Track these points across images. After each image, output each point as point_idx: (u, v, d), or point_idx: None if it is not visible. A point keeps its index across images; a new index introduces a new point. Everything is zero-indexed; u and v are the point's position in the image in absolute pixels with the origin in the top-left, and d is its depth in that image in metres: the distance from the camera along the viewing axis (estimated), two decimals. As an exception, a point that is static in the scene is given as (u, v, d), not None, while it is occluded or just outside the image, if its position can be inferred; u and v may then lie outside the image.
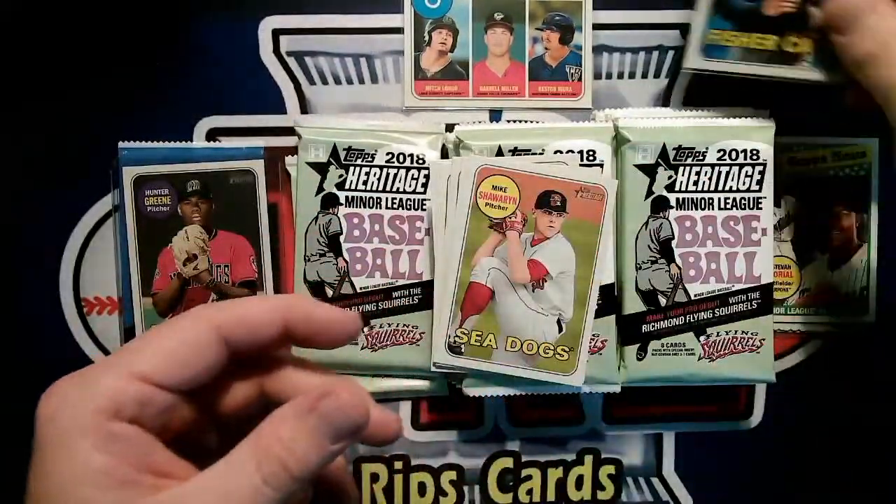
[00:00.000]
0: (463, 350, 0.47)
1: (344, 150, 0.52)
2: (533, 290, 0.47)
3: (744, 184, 0.51)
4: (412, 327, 0.52)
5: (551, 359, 0.47)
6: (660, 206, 0.51)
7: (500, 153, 0.50)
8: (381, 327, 0.52)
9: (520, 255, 0.47)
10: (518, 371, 0.47)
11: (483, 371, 0.48)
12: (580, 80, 0.54)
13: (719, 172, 0.51)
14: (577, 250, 0.47)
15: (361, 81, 0.55)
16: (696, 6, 0.48)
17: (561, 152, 0.51)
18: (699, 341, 0.51)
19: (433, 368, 0.48)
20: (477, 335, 0.47)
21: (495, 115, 0.55)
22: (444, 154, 0.53)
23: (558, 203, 0.47)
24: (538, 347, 0.47)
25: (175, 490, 0.30)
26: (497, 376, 0.48)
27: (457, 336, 0.47)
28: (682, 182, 0.51)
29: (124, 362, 0.31)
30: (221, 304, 0.34)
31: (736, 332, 0.51)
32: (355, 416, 0.32)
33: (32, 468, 0.30)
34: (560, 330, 0.47)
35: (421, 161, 0.52)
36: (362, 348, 0.52)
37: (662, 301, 0.51)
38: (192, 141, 0.54)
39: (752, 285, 0.51)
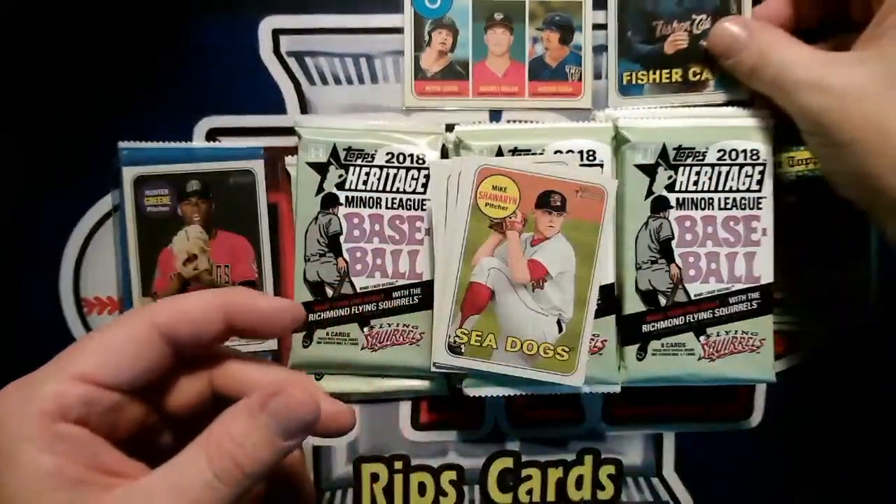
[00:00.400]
0: (463, 350, 0.47)
1: (344, 150, 0.52)
2: (533, 290, 0.47)
3: (744, 184, 0.51)
4: (412, 327, 0.52)
5: (551, 359, 0.47)
6: (660, 206, 0.51)
7: (500, 153, 0.50)
8: (381, 327, 0.52)
9: (520, 255, 0.47)
10: (518, 371, 0.47)
11: (483, 371, 0.48)
12: (580, 80, 0.54)
13: (719, 172, 0.51)
14: (576, 250, 0.47)
15: (361, 81, 0.55)
16: (607, 53, 0.55)
17: (561, 152, 0.51)
18: (699, 341, 0.51)
19: (433, 368, 0.48)
20: (477, 335, 0.47)
21: (495, 115, 0.55)
22: (444, 154, 0.53)
23: (558, 203, 0.47)
24: (538, 347, 0.47)
25: (127, 487, 0.30)
26: (497, 376, 0.48)
27: (457, 336, 0.47)
28: (682, 182, 0.51)
29: (66, 364, 0.31)
30: (161, 301, 0.34)
31: (736, 332, 0.51)
32: (304, 414, 0.33)
33: None
34: (560, 330, 0.47)
35: (421, 161, 0.52)
36: (362, 348, 0.52)
37: (662, 301, 0.51)
38: (192, 141, 0.54)
39: (752, 285, 0.51)
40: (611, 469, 0.58)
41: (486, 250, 0.47)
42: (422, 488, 0.57)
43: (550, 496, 0.58)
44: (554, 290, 0.47)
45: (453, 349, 0.47)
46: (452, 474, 0.57)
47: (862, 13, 0.47)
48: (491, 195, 0.46)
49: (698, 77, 0.54)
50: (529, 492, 0.58)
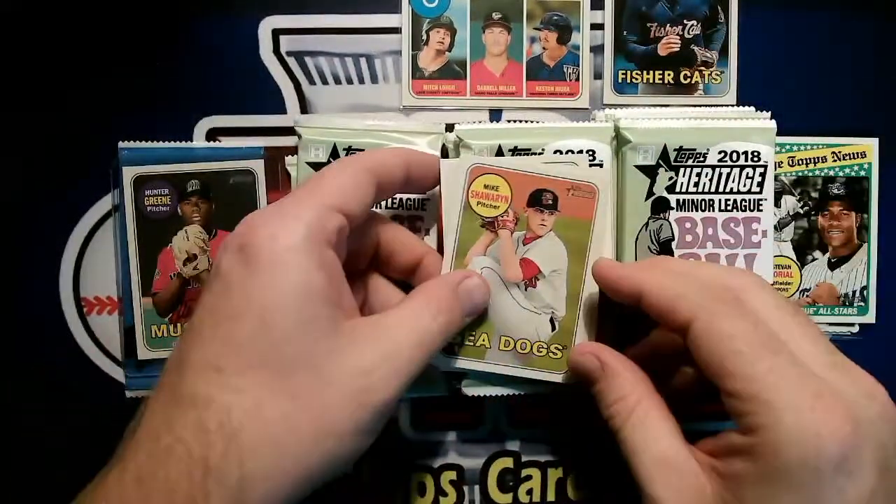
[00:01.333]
0: (456, 350, 0.47)
1: (344, 150, 0.52)
2: (525, 289, 0.47)
3: (744, 185, 0.51)
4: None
5: (545, 357, 0.47)
6: (660, 207, 0.51)
7: (499, 153, 0.50)
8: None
9: (512, 254, 0.46)
10: (511, 370, 0.47)
11: (477, 371, 0.47)
12: (578, 79, 0.54)
13: (720, 174, 0.51)
14: (568, 248, 0.46)
15: (361, 81, 0.55)
16: (604, 52, 0.55)
17: (560, 152, 0.51)
18: (699, 342, 0.51)
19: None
20: (470, 335, 0.46)
21: (495, 114, 0.55)
22: (444, 154, 0.53)
23: (550, 201, 0.46)
24: (531, 346, 0.47)
25: (371, 319, 0.37)
26: (494, 376, 0.48)
27: None
28: (682, 183, 0.51)
29: (317, 198, 0.36)
30: (363, 154, 0.41)
31: (736, 332, 0.51)
32: (482, 296, 0.44)
33: (238, 285, 0.33)
34: (553, 328, 0.47)
35: (421, 161, 0.52)
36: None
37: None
38: (192, 141, 0.54)
39: (752, 286, 0.51)
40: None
41: (478, 249, 0.46)
42: (422, 488, 0.57)
43: (550, 496, 0.58)
44: (546, 289, 0.47)
45: (446, 349, 0.46)
46: (452, 474, 0.57)
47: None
48: (483, 194, 0.46)
49: (689, 80, 0.55)
50: (529, 492, 0.58)
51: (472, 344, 0.47)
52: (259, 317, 0.32)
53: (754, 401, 0.33)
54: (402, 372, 0.35)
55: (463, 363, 0.47)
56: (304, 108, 0.55)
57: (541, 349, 0.47)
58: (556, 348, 0.47)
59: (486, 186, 0.46)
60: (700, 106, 0.54)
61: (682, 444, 0.38)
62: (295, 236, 0.34)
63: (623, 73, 0.55)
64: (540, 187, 0.46)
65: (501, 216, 0.46)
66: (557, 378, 0.47)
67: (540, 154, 0.50)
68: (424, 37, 0.54)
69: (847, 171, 0.55)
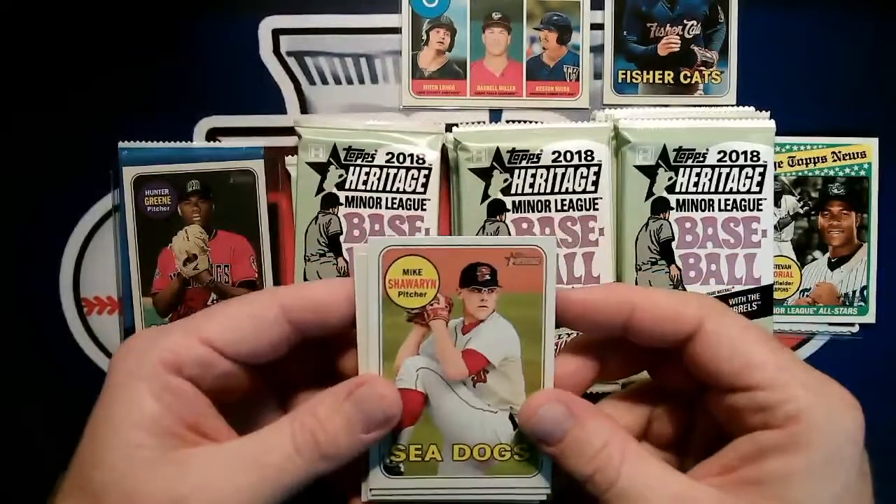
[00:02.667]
0: (403, 469, 0.39)
1: (344, 150, 0.52)
2: (474, 385, 0.38)
3: (744, 185, 0.51)
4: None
5: (509, 461, 0.38)
6: (660, 207, 0.51)
7: (498, 154, 0.50)
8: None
9: (451, 348, 0.38)
10: (471, 482, 0.39)
11: (430, 490, 0.39)
12: (578, 80, 0.54)
13: (720, 174, 0.51)
14: (519, 330, 0.38)
15: (361, 81, 0.55)
16: (604, 52, 0.55)
17: (559, 153, 0.51)
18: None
19: (370, 497, 0.39)
20: (416, 449, 0.38)
21: (496, 114, 0.55)
22: (444, 154, 0.53)
23: (487, 276, 0.38)
24: (491, 451, 0.38)
25: (212, 447, 0.33)
26: (451, 493, 0.40)
27: (392, 455, 0.38)
28: (682, 183, 0.51)
29: (194, 326, 0.34)
30: (291, 286, 0.37)
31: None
32: (386, 408, 0.34)
33: (94, 410, 0.32)
34: (515, 426, 0.38)
35: (421, 161, 0.52)
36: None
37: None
38: (192, 141, 0.54)
39: (752, 287, 0.51)
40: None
41: (409, 349, 0.38)
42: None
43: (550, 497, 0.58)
44: (499, 381, 0.38)
45: (391, 470, 0.39)
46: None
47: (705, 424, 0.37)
48: (403, 281, 0.37)
49: (689, 80, 0.55)
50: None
51: (419, 459, 0.39)
52: (89, 435, 0.32)
53: (788, 388, 0.32)
54: (226, 500, 0.31)
55: (412, 483, 0.39)
56: (304, 108, 0.55)
57: (503, 452, 0.38)
58: (522, 449, 0.39)
59: (405, 272, 0.37)
60: (700, 106, 0.54)
61: (685, 476, 0.34)
62: (138, 360, 0.32)
63: (623, 73, 0.55)
64: (472, 261, 0.38)
65: (430, 305, 0.38)
66: (527, 483, 0.39)
67: (538, 155, 0.50)
68: (424, 37, 0.54)
69: (847, 170, 0.55)
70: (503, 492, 0.39)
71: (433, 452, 0.39)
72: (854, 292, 0.55)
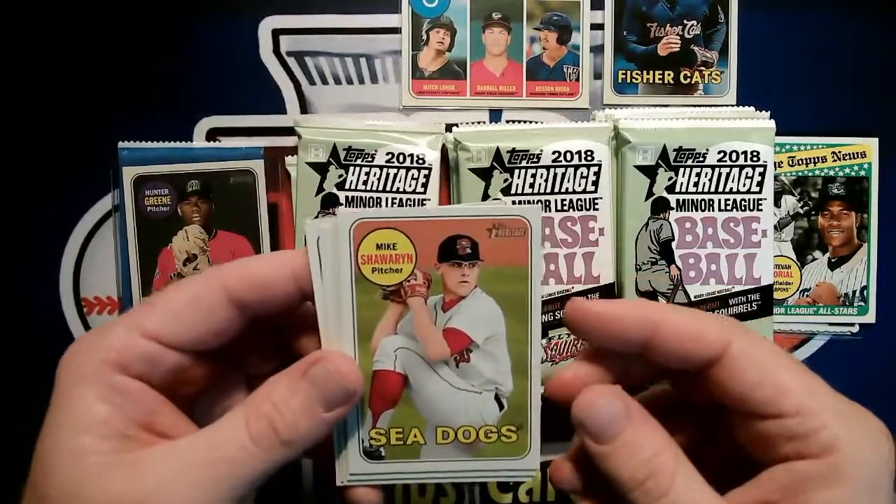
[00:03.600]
0: (384, 453, 0.37)
1: (344, 150, 0.52)
2: (457, 365, 0.36)
3: (744, 185, 0.51)
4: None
5: (495, 443, 0.37)
6: (660, 207, 0.51)
7: (498, 154, 0.50)
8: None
9: (430, 326, 0.36)
10: (456, 465, 0.37)
11: (414, 473, 0.38)
12: (578, 80, 0.54)
13: (720, 174, 0.51)
14: (503, 305, 0.36)
15: (361, 81, 0.55)
16: (604, 52, 0.55)
17: (559, 153, 0.51)
18: (699, 342, 0.51)
19: (346, 482, 0.37)
20: (397, 433, 0.37)
21: (495, 114, 0.55)
22: (444, 154, 0.53)
23: (468, 250, 0.35)
24: (477, 433, 0.37)
25: (167, 445, 0.31)
26: (435, 475, 0.38)
27: (372, 438, 0.37)
28: (682, 183, 0.51)
29: (134, 320, 0.32)
30: (232, 263, 0.33)
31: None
32: (346, 383, 0.32)
33: (45, 420, 0.31)
34: (501, 407, 0.37)
35: (421, 161, 0.52)
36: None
37: (662, 302, 0.51)
38: (192, 141, 0.54)
39: (752, 287, 0.51)
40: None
41: (386, 328, 0.35)
42: (422, 488, 0.57)
43: (550, 496, 0.58)
44: (483, 360, 0.36)
45: (371, 454, 0.37)
46: (452, 474, 0.57)
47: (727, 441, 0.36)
48: (377, 257, 0.35)
49: (689, 80, 0.55)
50: (529, 492, 0.58)
51: (401, 443, 0.37)
52: (39, 446, 0.31)
53: (820, 415, 0.30)
54: (181, 498, 0.30)
55: (394, 467, 0.37)
56: (304, 108, 0.55)
57: (489, 434, 0.37)
58: (509, 430, 0.37)
59: (379, 246, 0.35)
60: (700, 106, 0.54)
61: (725, 500, 0.32)
62: (82, 364, 0.31)
63: (623, 73, 0.55)
64: (451, 234, 0.35)
65: (407, 281, 0.35)
66: (516, 464, 0.38)
67: (538, 155, 0.50)
68: (424, 37, 0.54)
69: (847, 171, 0.55)
70: (490, 474, 0.38)
71: (415, 435, 0.37)
72: (854, 292, 0.55)
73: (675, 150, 0.51)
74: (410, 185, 0.52)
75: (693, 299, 0.51)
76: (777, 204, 0.54)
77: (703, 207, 0.51)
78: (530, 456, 0.37)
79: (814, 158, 0.54)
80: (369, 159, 0.52)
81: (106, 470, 0.30)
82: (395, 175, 0.52)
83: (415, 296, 0.35)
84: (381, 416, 0.37)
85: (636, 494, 0.32)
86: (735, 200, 0.51)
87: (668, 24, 0.54)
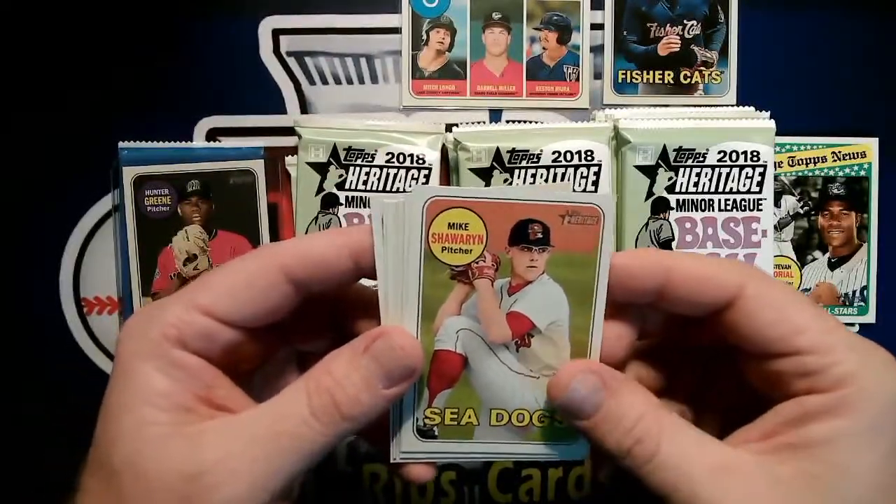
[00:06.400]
0: (437, 433, 0.37)
1: (344, 150, 0.52)
2: (517, 349, 0.36)
3: (744, 185, 0.51)
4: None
5: (548, 428, 0.37)
6: (660, 207, 0.51)
7: (498, 154, 0.50)
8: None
9: (495, 309, 0.36)
10: (507, 447, 0.37)
11: (465, 453, 0.38)
12: (578, 80, 0.54)
13: (720, 174, 0.51)
14: (568, 293, 0.36)
15: (361, 81, 0.55)
16: (604, 52, 0.55)
17: (559, 153, 0.51)
18: (699, 342, 0.51)
19: (399, 459, 0.37)
20: (452, 413, 0.37)
21: (495, 114, 0.55)
22: (444, 154, 0.53)
23: (539, 235, 0.35)
24: (530, 417, 0.37)
25: (228, 418, 0.31)
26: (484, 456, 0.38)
27: (426, 417, 0.37)
28: (682, 183, 0.51)
29: (193, 296, 0.32)
30: (289, 241, 0.34)
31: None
32: (406, 359, 0.32)
33: (106, 393, 0.32)
34: None
35: (421, 161, 0.52)
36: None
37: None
38: (192, 141, 0.54)
39: (752, 286, 0.51)
40: (611, 469, 0.58)
41: (450, 308, 0.35)
42: (422, 488, 0.57)
43: (550, 496, 0.58)
44: (544, 346, 0.36)
45: (424, 433, 0.37)
46: (452, 474, 0.57)
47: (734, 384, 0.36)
48: (448, 236, 0.35)
49: (689, 80, 0.55)
50: (529, 492, 0.58)
51: (455, 423, 0.37)
52: (102, 417, 0.32)
53: (835, 351, 0.31)
54: (242, 472, 0.30)
55: (446, 447, 0.37)
56: (304, 108, 0.55)
57: (543, 419, 0.37)
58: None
59: (451, 226, 0.35)
60: (700, 106, 0.54)
61: (724, 444, 0.32)
62: (141, 339, 0.32)
63: (623, 73, 0.55)
64: (524, 217, 0.35)
65: (476, 262, 0.35)
66: (567, 450, 0.38)
67: (538, 155, 0.50)
68: (424, 37, 0.54)
69: (847, 171, 0.55)
70: (540, 457, 0.38)
71: (470, 416, 0.37)
72: (854, 292, 0.55)
73: (675, 150, 0.51)
74: (410, 185, 0.52)
75: (693, 299, 0.51)
76: (777, 204, 0.54)
77: (703, 207, 0.51)
78: (582, 441, 0.37)
79: (814, 158, 0.54)
80: (369, 159, 0.52)
81: (167, 441, 0.30)
82: (396, 175, 0.52)
83: (482, 277, 0.35)
84: (438, 395, 0.37)
85: (626, 462, 0.32)
86: (735, 200, 0.51)
87: (668, 24, 0.54)
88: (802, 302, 0.32)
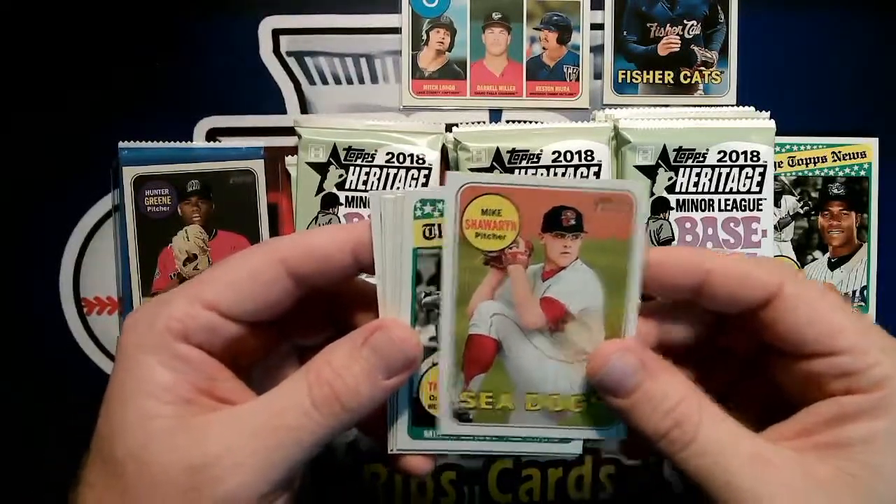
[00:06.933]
0: (472, 416, 0.37)
1: (344, 150, 0.52)
2: (551, 335, 0.36)
3: (744, 185, 0.51)
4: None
5: (583, 413, 0.37)
6: (660, 207, 0.51)
7: (498, 154, 0.50)
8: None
9: (528, 294, 0.36)
10: (542, 432, 0.38)
11: (499, 435, 0.38)
12: (578, 80, 0.54)
13: (720, 174, 0.51)
14: (602, 278, 0.36)
15: (361, 81, 0.55)
16: (604, 52, 0.55)
17: (559, 153, 0.51)
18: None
19: (397, 450, 0.38)
20: (488, 397, 0.37)
21: (495, 114, 0.55)
22: (444, 154, 0.53)
23: (572, 221, 0.35)
24: (566, 402, 0.37)
25: (230, 410, 0.32)
26: (519, 438, 0.39)
27: (463, 401, 0.37)
28: (682, 183, 0.51)
29: (196, 291, 0.33)
30: (290, 236, 0.35)
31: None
32: (406, 350, 0.33)
33: (108, 386, 0.32)
34: None
35: (421, 161, 0.52)
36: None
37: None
38: (192, 141, 0.54)
39: (752, 286, 0.51)
40: (611, 469, 0.58)
41: (484, 293, 0.36)
42: (422, 488, 0.57)
43: (550, 496, 0.58)
44: (578, 331, 0.36)
45: (461, 416, 0.37)
46: (452, 474, 0.57)
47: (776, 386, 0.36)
48: (482, 222, 0.35)
49: (689, 80, 0.55)
50: (529, 492, 0.58)
51: (490, 407, 0.37)
52: (105, 410, 0.32)
53: (871, 354, 0.31)
54: (245, 464, 0.30)
55: (483, 430, 0.38)
56: (304, 108, 0.55)
57: (578, 404, 0.37)
58: (597, 400, 0.37)
59: (484, 211, 0.35)
60: (700, 106, 0.54)
61: (762, 438, 0.32)
62: (145, 332, 0.32)
63: (623, 73, 0.55)
64: (558, 204, 0.35)
65: (510, 248, 0.36)
66: (604, 434, 0.38)
67: (538, 155, 0.50)
68: (424, 37, 0.54)
69: (847, 171, 0.55)
70: (576, 438, 0.38)
71: (505, 402, 0.37)
72: (854, 292, 0.55)
73: (675, 150, 0.51)
74: (410, 185, 0.52)
75: (693, 299, 0.51)
76: (777, 204, 0.54)
77: (703, 207, 0.51)
78: (617, 427, 0.37)
79: (814, 158, 0.54)
80: (369, 159, 0.52)
81: (171, 433, 0.31)
82: (396, 175, 0.52)
83: (515, 263, 0.36)
84: (473, 379, 0.37)
85: (663, 444, 0.32)
86: (735, 200, 0.51)
87: (668, 24, 0.54)
88: (838, 303, 0.33)
